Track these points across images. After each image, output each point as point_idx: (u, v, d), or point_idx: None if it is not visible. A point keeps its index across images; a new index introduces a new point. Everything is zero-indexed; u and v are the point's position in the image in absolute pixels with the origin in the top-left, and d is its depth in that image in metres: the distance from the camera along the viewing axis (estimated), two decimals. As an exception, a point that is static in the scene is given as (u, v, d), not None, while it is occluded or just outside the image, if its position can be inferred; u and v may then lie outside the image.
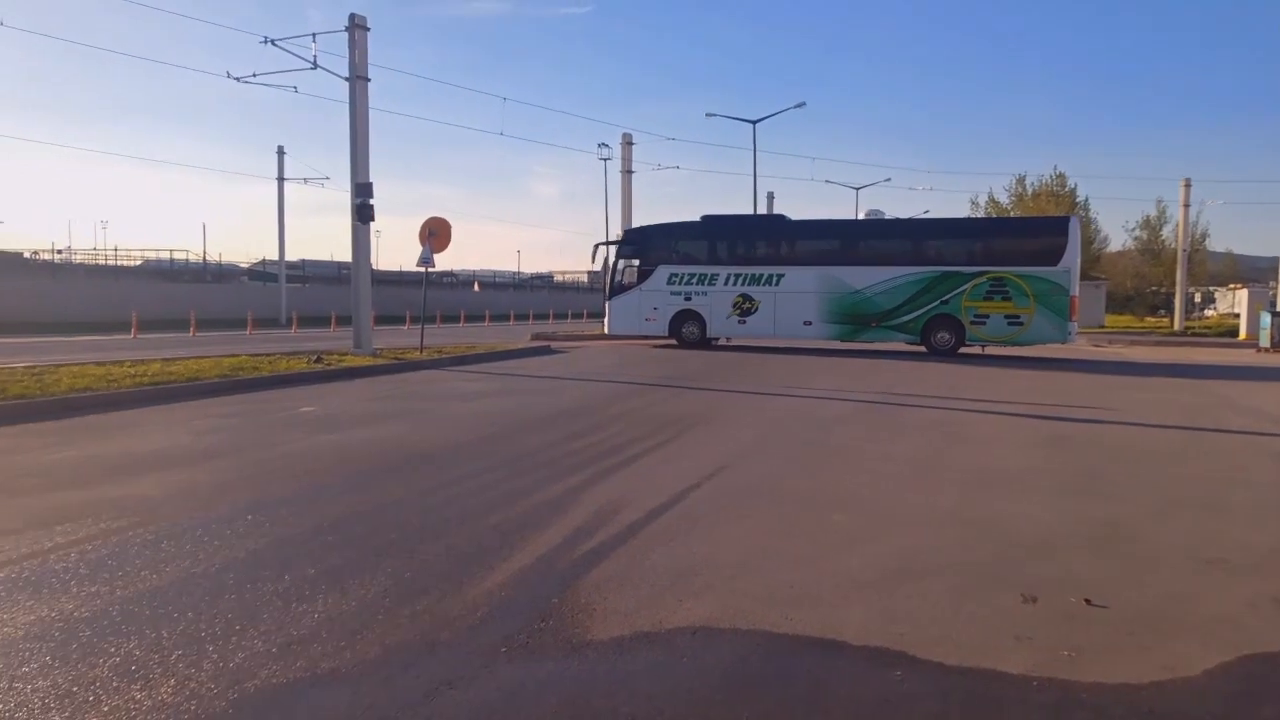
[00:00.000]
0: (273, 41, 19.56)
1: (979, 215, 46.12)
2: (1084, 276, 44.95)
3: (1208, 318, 55.70)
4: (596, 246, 26.08)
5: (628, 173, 37.13)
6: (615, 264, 25.07)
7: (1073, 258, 21.58)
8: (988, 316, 21.77)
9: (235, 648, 3.38)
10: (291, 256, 45.51)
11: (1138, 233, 52.63)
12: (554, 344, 24.48)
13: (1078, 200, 44.50)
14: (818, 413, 10.98)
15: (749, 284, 23.57)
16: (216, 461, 7.20)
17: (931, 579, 4.34)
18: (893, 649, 3.44)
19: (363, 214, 19.09)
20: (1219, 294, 64.18)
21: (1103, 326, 43.10)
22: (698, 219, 24.67)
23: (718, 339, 24.79)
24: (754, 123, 39.61)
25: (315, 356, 16.78)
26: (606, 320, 25.40)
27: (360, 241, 19.63)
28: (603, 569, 4.43)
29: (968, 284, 21.89)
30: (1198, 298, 63.26)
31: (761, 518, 5.56)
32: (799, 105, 42.26)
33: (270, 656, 3.31)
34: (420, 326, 21.19)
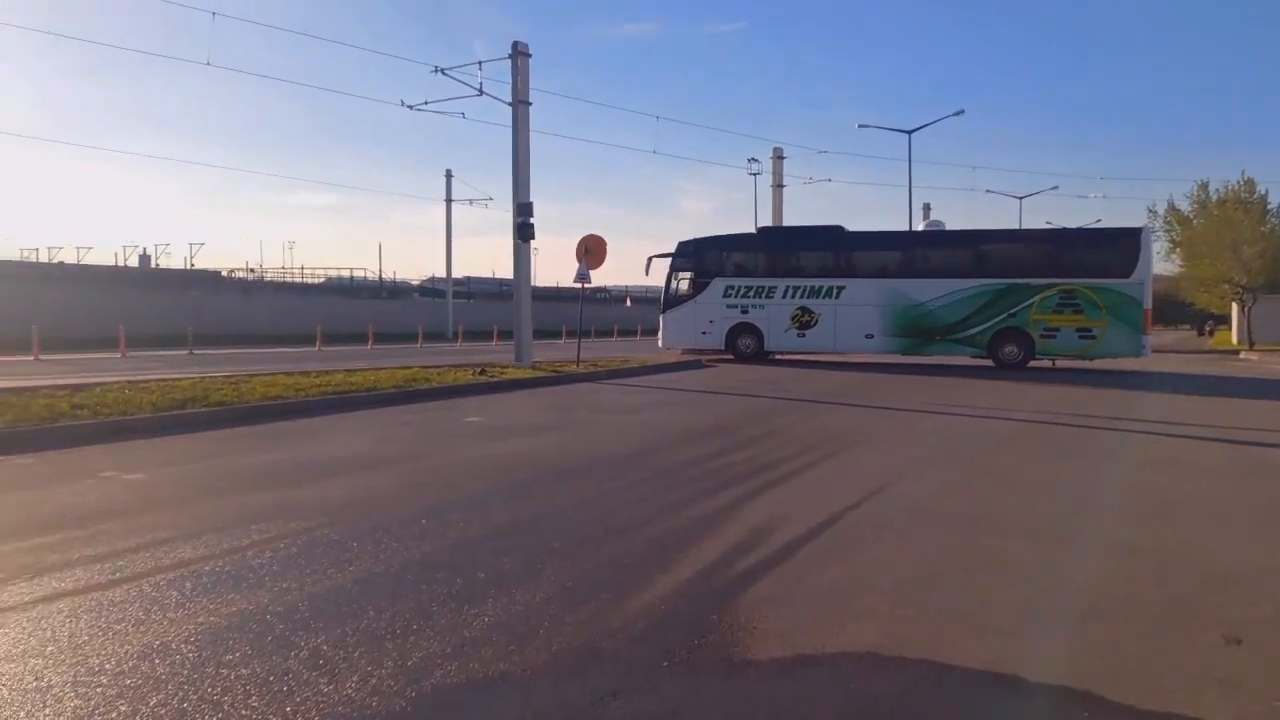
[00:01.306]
0: (443, 71, 20.68)
1: (1156, 224, 43.30)
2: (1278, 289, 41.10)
3: None
4: (650, 259, 25.61)
5: (778, 187, 36.88)
6: (670, 276, 24.70)
7: (1146, 269, 20.88)
8: (1058, 330, 21.20)
9: (413, 646, 3.55)
10: (457, 274, 47.83)
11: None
12: (705, 359, 24.53)
13: (1269, 207, 40.79)
14: (978, 432, 10.50)
15: (808, 296, 23.15)
16: (394, 467, 7.62)
17: (1120, 614, 4.05)
18: (1078, 688, 3.22)
19: (523, 233, 19.81)
20: None
21: (1301, 343, 39.19)
22: (754, 231, 24.34)
23: (775, 353, 24.23)
24: (909, 132, 38.51)
25: (479, 369, 17.51)
26: (661, 333, 25.10)
27: (521, 259, 20.39)
28: (761, 587, 4.39)
29: (1036, 296, 21.32)
30: None
31: (927, 541, 5.36)
32: (957, 113, 40.59)
33: (445, 656, 3.46)
34: (577, 341, 21.72)
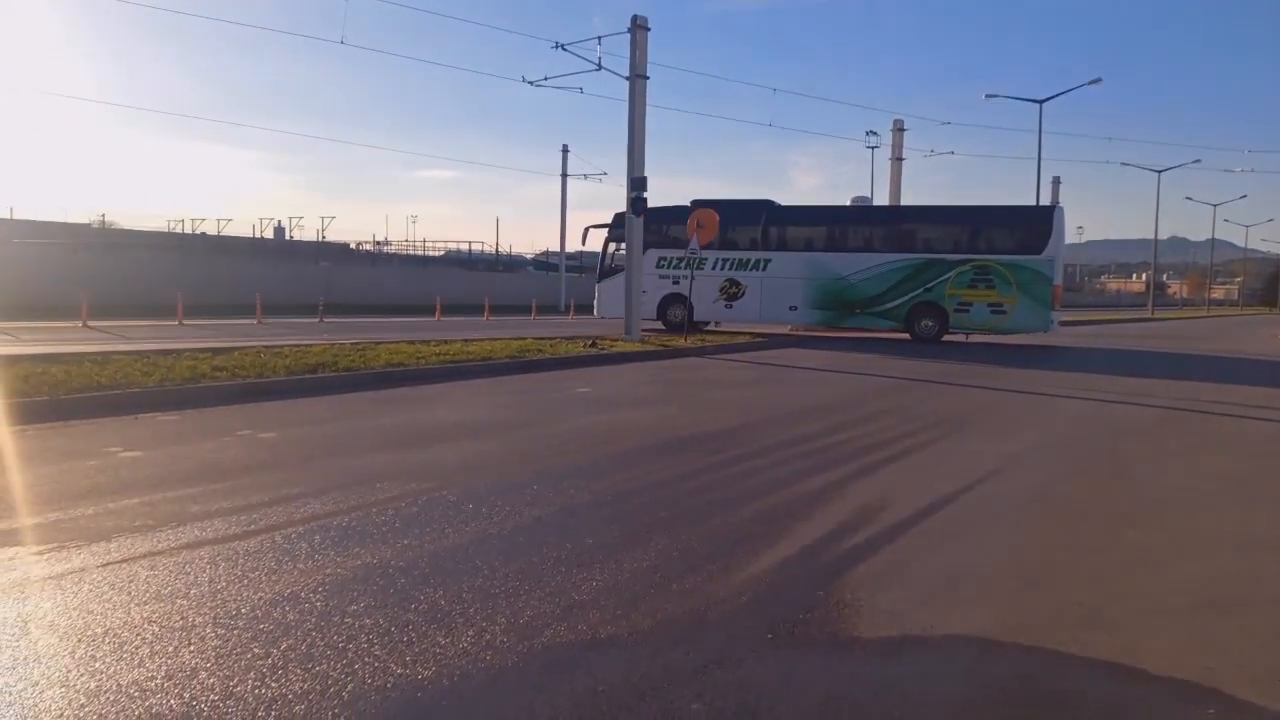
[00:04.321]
0: (563, 46, 20.84)
1: None
2: None
3: None
4: (587, 229, 26.32)
5: (897, 160, 35.81)
6: (606, 247, 25.09)
7: (1057, 247, 21.36)
8: (971, 304, 21.87)
9: (524, 606, 3.68)
10: (570, 248, 48.42)
11: None
12: (814, 334, 24.19)
13: None
14: (1106, 417, 10.03)
15: (736, 268, 23.64)
16: (507, 434, 7.85)
17: (1250, 610, 3.84)
18: (1203, 684, 3.07)
19: (636, 207, 19.89)
20: None
21: None
22: (688, 203, 24.09)
23: (707, 323, 24.57)
24: (1040, 102, 36.78)
25: (590, 341, 17.76)
26: (596, 303, 25.52)
27: (634, 233, 20.48)
28: (868, 566, 4.34)
29: (951, 272, 21.96)
30: None
31: (1043, 528, 5.18)
32: (1093, 82, 38.36)
33: (554, 617, 3.57)
34: (684, 314, 21.75)
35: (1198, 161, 72.68)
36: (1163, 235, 72.97)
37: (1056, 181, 48.19)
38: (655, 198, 25.05)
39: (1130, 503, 5.87)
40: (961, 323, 22.27)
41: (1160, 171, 52.70)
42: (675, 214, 25.31)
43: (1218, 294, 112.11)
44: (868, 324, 23.22)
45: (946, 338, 22.57)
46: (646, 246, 24.64)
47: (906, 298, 22.47)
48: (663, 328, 24.15)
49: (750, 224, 24.37)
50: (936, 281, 22.17)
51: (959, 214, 23.90)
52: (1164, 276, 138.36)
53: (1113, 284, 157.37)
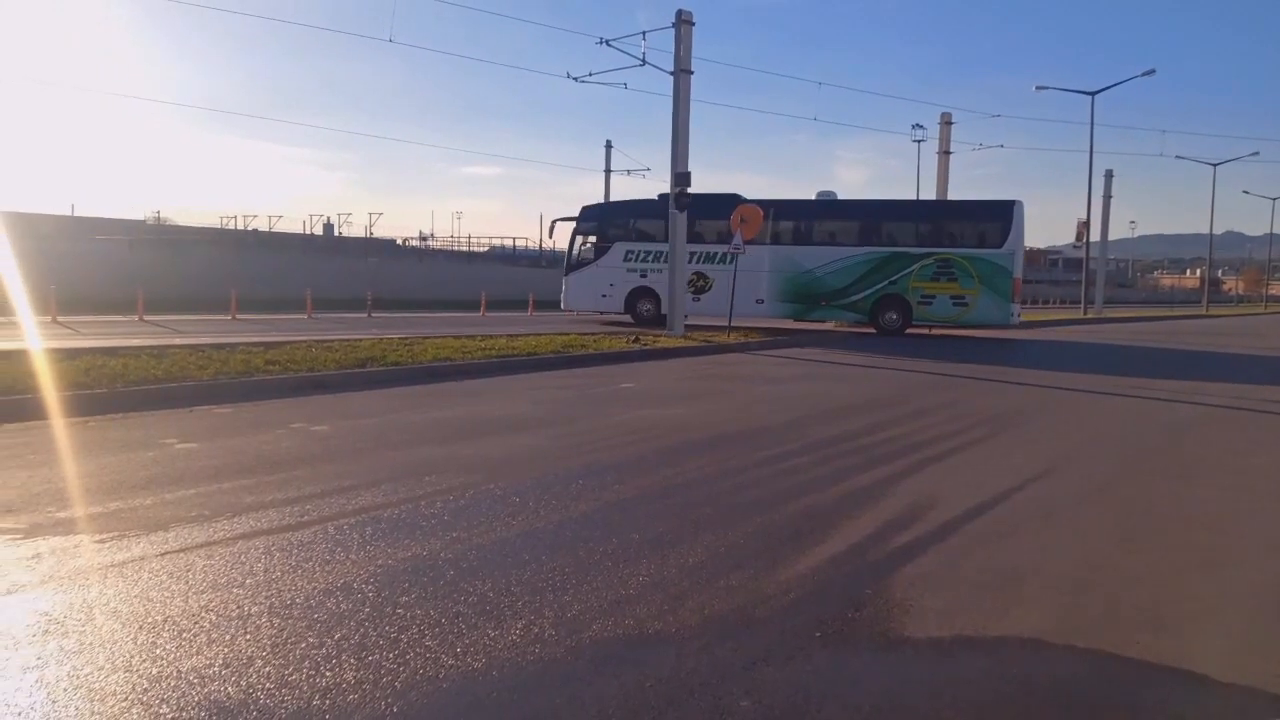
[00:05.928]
0: (607, 42, 20.87)
1: None
2: None
3: None
4: (554, 223, 26.45)
5: (945, 154, 35.27)
6: (573, 240, 25.28)
7: (1017, 240, 22.00)
8: (934, 297, 22.17)
9: (572, 600, 3.70)
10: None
11: None
12: (854, 331, 23.97)
13: None
14: (1160, 416, 9.80)
15: (703, 262, 23.62)
16: (552, 429, 7.89)
17: (1319, 618, 3.72)
18: (1269, 691, 2.99)
19: (680, 202, 19.86)
20: None
21: None
22: (655, 197, 24.00)
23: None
24: (1092, 94, 36.07)
25: (633, 337, 17.79)
26: (564, 296, 25.73)
27: (677, 229, 20.45)
28: (918, 565, 4.29)
29: (915, 265, 22.26)
30: None
31: (1097, 528, 5.07)
32: (1147, 73, 37.53)
33: (602, 612, 3.58)
34: (729, 310, 21.68)
35: (1255, 154, 70.44)
36: (1218, 230, 70.99)
37: (1109, 175, 47.21)
38: (696, 191, 24.95)
39: (1184, 503, 5.73)
40: (925, 315, 22.59)
41: (1216, 165, 51.36)
42: (642, 208, 25.70)
43: (1275, 290, 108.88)
44: (833, 316, 23.59)
45: (910, 330, 22.91)
46: (613, 240, 25.24)
47: (871, 290, 22.80)
48: (631, 321, 24.25)
49: (717, 217, 24.04)
50: (901, 274, 22.52)
51: (923, 208, 24.24)
52: (1219, 272, 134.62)
53: (1166, 279, 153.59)
